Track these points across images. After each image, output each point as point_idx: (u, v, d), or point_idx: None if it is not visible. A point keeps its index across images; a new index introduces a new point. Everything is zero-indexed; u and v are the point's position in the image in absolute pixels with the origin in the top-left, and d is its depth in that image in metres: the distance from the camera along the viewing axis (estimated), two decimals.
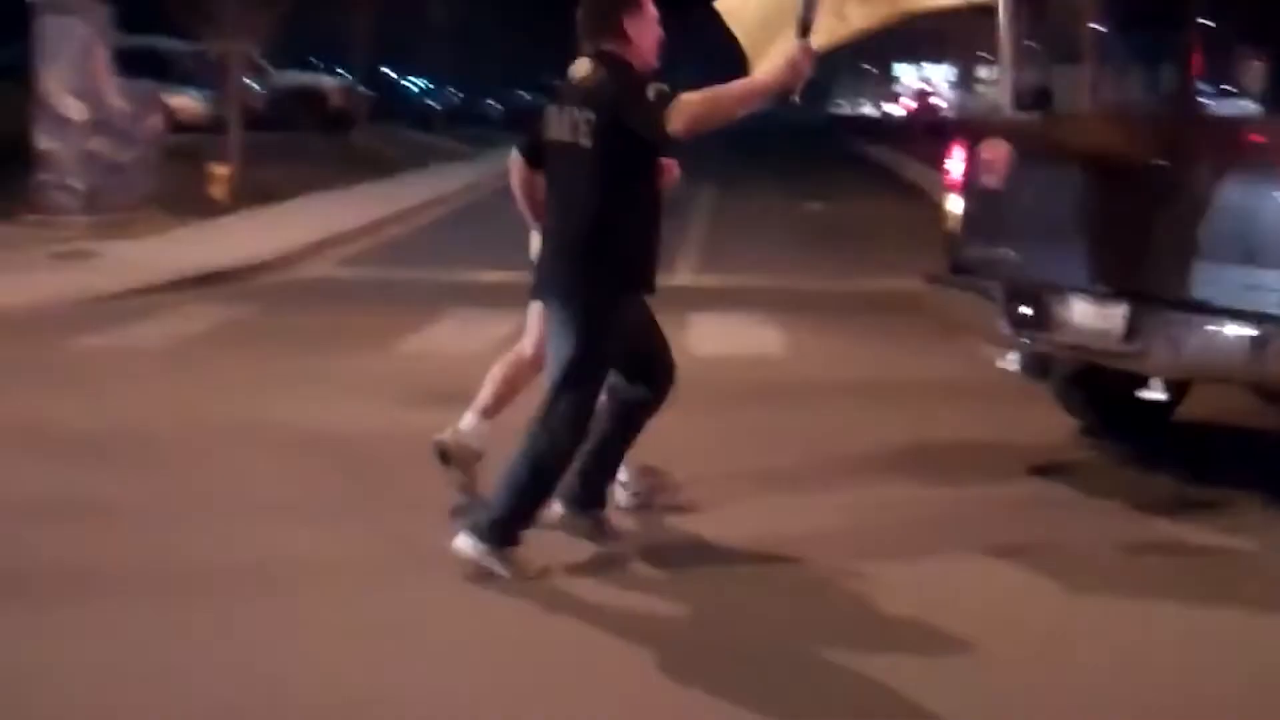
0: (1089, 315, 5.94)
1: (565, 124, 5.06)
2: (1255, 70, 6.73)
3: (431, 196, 20.83)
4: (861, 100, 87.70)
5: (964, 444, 6.94)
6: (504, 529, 4.99)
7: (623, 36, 5.09)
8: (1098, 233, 5.99)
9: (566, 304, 5.06)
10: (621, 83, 4.98)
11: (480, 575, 4.92)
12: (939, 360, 8.44)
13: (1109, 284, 5.91)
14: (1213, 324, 5.44)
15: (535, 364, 5.60)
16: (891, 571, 5.12)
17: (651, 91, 4.84)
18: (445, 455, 5.67)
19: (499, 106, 52.99)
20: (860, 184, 26.70)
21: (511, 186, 5.48)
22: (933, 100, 61.30)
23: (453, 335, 9.84)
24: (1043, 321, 6.07)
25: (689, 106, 4.77)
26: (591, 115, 4.97)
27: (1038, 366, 6.60)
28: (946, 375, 8.22)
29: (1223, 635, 4.61)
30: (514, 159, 5.45)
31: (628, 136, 4.92)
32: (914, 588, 4.96)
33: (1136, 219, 5.86)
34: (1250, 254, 5.36)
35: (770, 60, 5.33)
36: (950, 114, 46.25)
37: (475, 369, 6.14)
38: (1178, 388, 6.44)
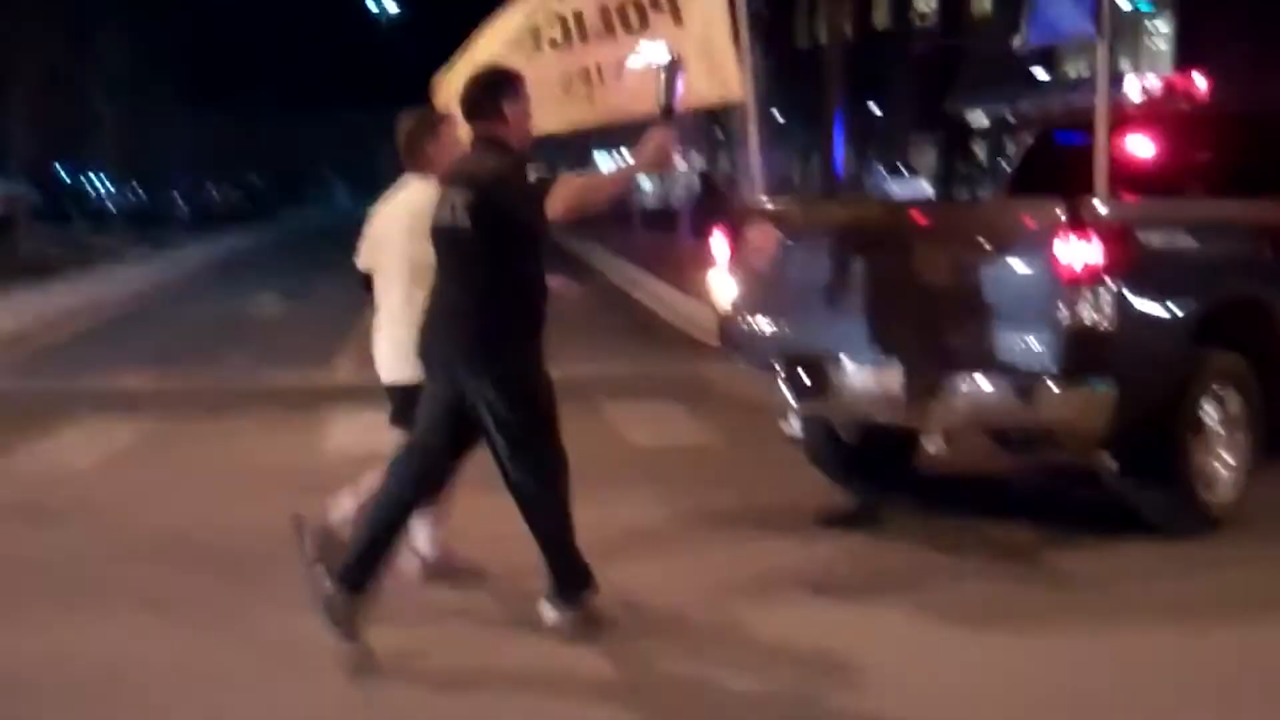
0: (867, 380, 6.51)
1: (445, 208, 5.11)
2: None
3: (87, 303, 19.36)
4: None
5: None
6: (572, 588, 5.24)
7: (501, 118, 5.17)
8: (866, 304, 6.45)
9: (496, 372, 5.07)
10: (502, 164, 5.05)
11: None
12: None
13: (883, 350, 6.41)
14: (976, 381, 6.19)
15: None
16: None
17: (532, 174, 4.92)
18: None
19: (184, 206, 50.99)
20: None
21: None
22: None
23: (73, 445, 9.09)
24: (822, 389, 6.62)
25: (568, 190, 4.86)
26: (469, 196, 5.00)
27: (817, 431, 7.11)
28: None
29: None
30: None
31: (503, 216, 4.98)
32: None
33: (897, 290, 6.42)
34: (992, 318, 6.10)
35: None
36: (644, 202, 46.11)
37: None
38: (905, 439, 6.90)
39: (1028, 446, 6.95)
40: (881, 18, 45.68)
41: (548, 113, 6.30)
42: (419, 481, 5.19)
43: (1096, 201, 6.10)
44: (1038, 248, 5.97)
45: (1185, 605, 5.44)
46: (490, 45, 6.86)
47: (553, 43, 6.94)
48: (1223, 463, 6.54)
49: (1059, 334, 5.93)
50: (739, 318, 6.93)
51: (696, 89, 6.40)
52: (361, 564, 4.98)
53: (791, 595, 5.62)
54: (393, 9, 65.72)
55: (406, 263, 5.50)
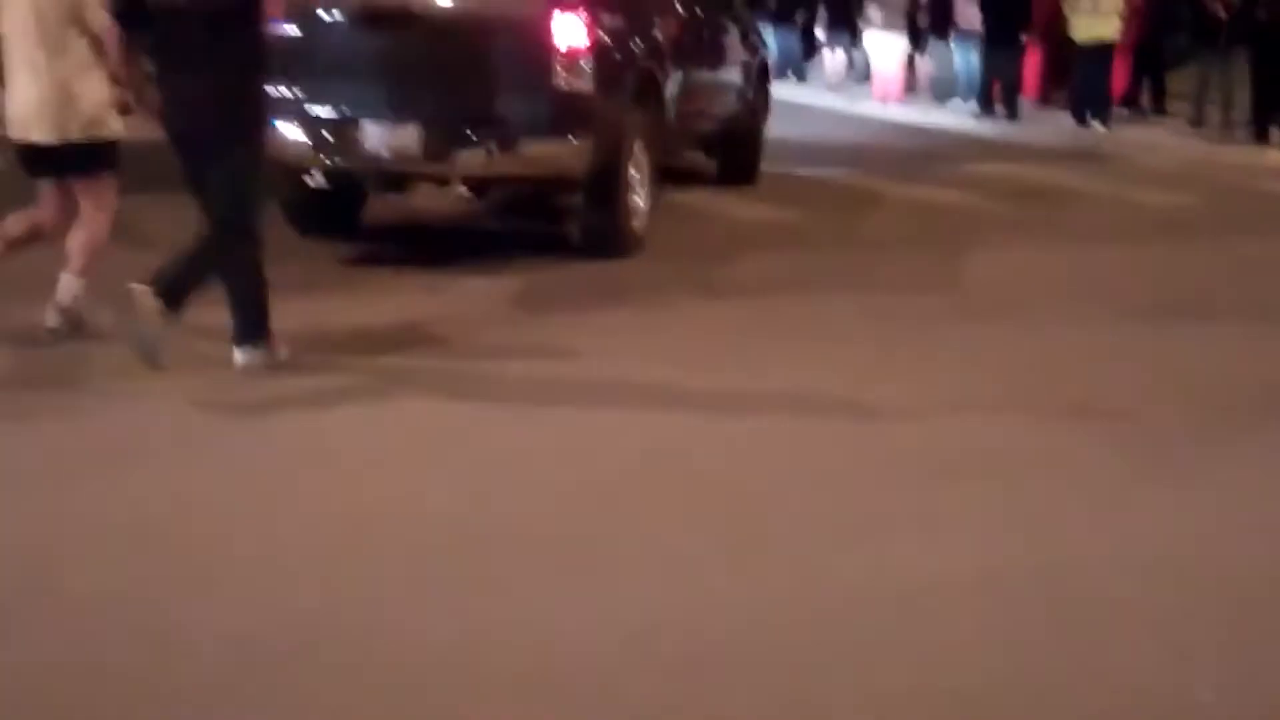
0: (384, 137, 7.78)
1: None
2: None
3: None
4: None
5: None
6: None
7: None
8: (389, 75, 7.69)
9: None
10: None
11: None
12: None
13: (405, 115, 7.73)
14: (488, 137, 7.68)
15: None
16: None
17: None
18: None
19: None
20: None
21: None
22: None
23: None
24: (343, 146, 7.83)
25: None
26: None
27: (336, 181, 8.19)
28: None
29: None
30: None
31: None
32: None
33: (419, 64, 7.68)
34: (498, 86, 7.75)
35: None
36: None
37: None
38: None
39: (498, 190, 8.66)
40: None
41: None
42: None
43: None
44: (537, 28, 7.62)
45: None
46: None
47: None
48: (640, 199, 8.37)
49: (554, 97, 7.65)
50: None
51: None
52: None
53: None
54: None
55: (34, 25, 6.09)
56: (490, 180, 8.30)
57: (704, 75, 9.99)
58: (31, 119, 6.18)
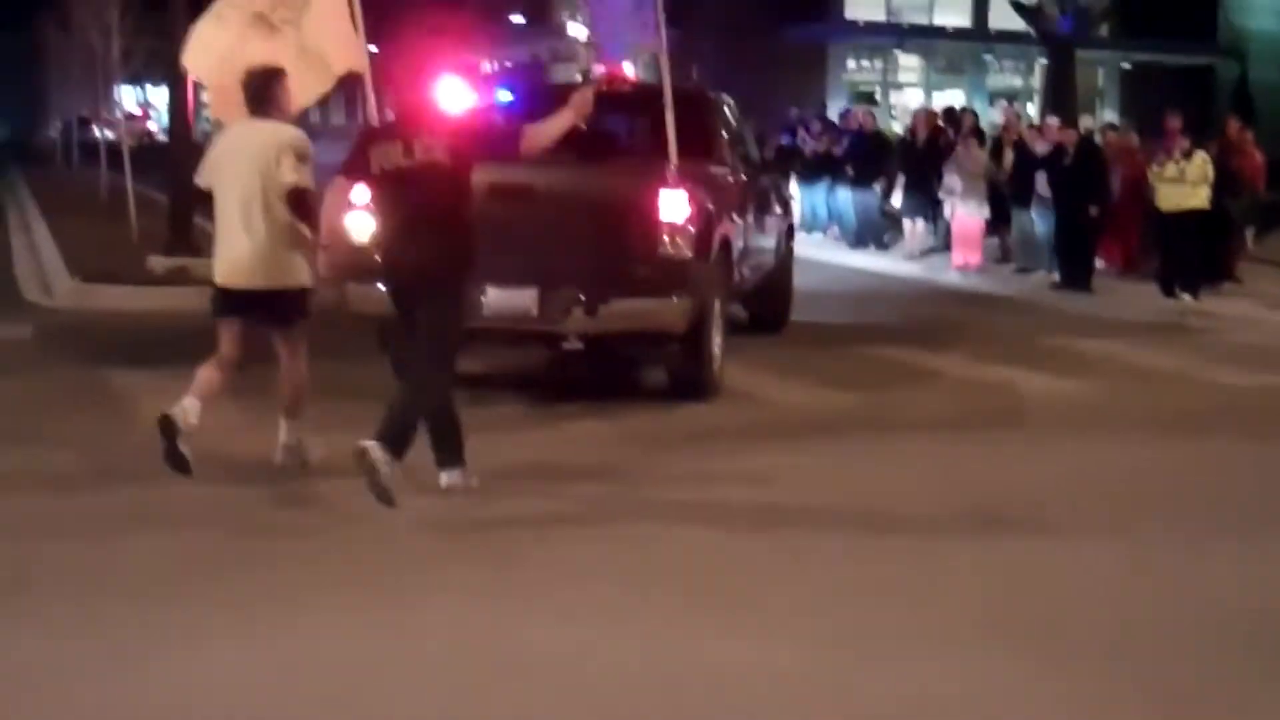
0: (506, 299, 8.61)
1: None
2: None
3: None
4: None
5: None
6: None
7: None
8: (507, 244, 8.06)
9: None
10: None
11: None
12: None
13: (520, 279, 8.58)
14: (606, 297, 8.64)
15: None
16: None
17: None
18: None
19: None
20: None
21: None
22: (147, 124, 61.09)
23: None
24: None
25: (534, 136, 6.88)
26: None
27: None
28: None
29: None
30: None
31: None
32: None
33: (535, 232, 8.50)
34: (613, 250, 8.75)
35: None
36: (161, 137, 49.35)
37: None
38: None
39: (616, 346, 9.30)
40: None
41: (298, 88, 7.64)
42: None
43: (678, 168, 9.00)
44: (646, 203, 8.72)
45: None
46: (218, 33, 8.20)
47: (285, 21, 8.11)
48: (717, 347, 9.30)
49: (660, 262, 8.65)
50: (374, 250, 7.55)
51: (342, 63, 8.43)
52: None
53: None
54: None
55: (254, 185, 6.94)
56: (599, 336, 8.94)
57: (756, 235, 11.17)
58: (240, 268, 7.04)
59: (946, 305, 15.38)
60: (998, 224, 17.83)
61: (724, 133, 11.06)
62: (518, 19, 41.56)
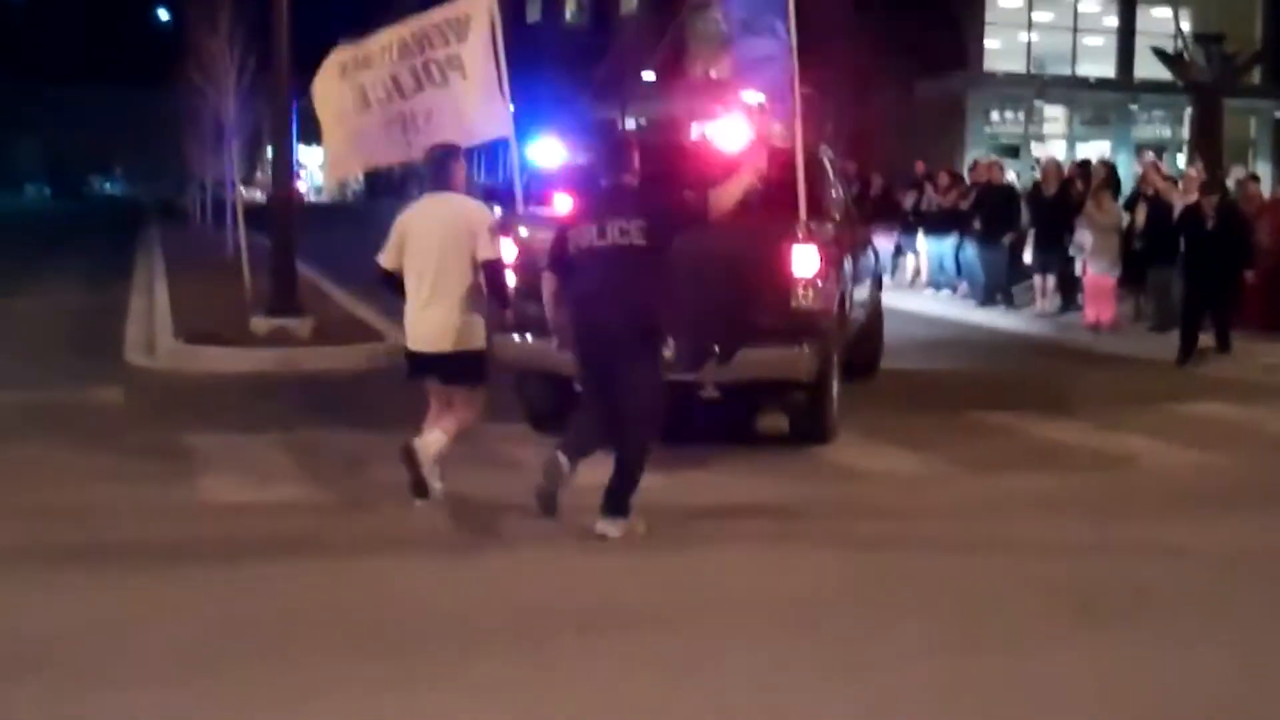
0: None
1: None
2: None
3: None
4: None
5: None
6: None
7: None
8: None
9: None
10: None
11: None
12: None
13: None
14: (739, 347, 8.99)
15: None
16: None
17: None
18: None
19: None
20: None
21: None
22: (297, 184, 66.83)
23: None
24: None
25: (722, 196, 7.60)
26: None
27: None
28: None
29: None
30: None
31: None
32: None
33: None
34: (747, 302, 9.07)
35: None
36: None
37: None
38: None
39: (733, 390, 9.42)
40: None
41: (375, 154, 9.95)
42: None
43: (811, 224, 9.27)
44: (779, 258, 9.08)
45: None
46: (330, 107, 9.66)
47: (379, 100, 9.44)
48: (835, 393, 9.74)
49: (791, 314, 9.07)
50: (523, 302, 8.66)
51: (482, 128, 9.41)
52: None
53: None
54: None
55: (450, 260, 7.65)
56: (733, 384, 9.32)
57: (858, 286, 11.50)
58: (431, 335, 7.74)
59: (1074, 365, 14.58)
60: (1133, 281, 16.95)
61: (833, 189, 11.22)
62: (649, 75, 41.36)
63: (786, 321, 9.05)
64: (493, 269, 7.68)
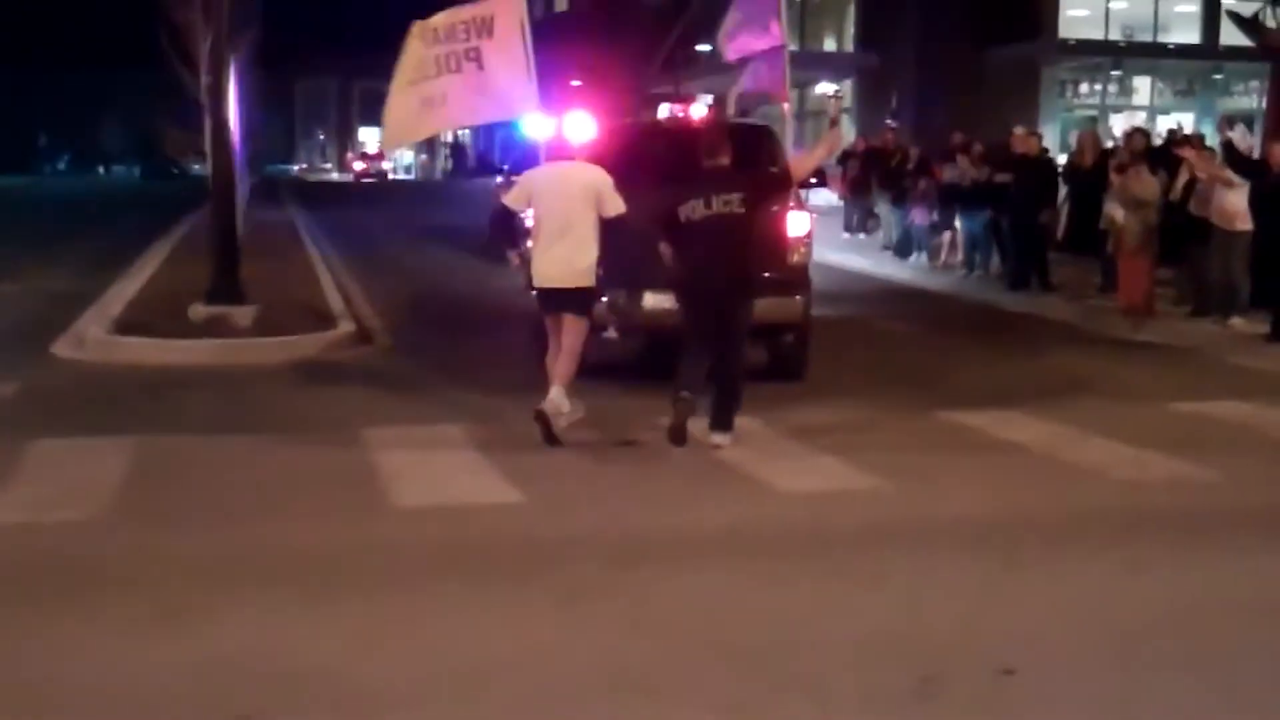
0: (660, 301, 10.13)
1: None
2: None
3: None
4: (325, 162, 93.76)
5: None
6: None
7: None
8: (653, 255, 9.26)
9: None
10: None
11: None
12: None
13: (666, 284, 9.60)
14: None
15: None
16: None
17: None
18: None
19: None
20: None
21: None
22: (381, 164, 74.65)
23: None
24: (631, 308, 10.52)
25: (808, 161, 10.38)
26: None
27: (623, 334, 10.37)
28: None
29: None
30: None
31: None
32: None
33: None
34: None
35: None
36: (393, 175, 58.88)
37: None
38: None
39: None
40: None
41: (419, 125, 11.44)
42: None
43: (801, 193, 11.08)
44: (778, 221, 10.55)
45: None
46: (401, 85, 11.00)
47: (414, 80, 10.88)
48: None
49: (788, 268, 10.67)
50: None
51: (497, 112, 11.10)
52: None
53: None
54: None
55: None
56: None
57: None
58: (555, 273, 9.09)
59: (1086, 353, 13.11)
60: (1172, 260, 15.38)
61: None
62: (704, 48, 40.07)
63: (786, 275, 10.55)
64: (619, 221, 9.07)
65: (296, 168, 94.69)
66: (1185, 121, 33.29)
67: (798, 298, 10.78)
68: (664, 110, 13.23)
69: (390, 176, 77.90)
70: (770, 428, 9.38)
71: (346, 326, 13.64)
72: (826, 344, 12.46)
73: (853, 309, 16.88)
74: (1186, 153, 15.19)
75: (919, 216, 20.94)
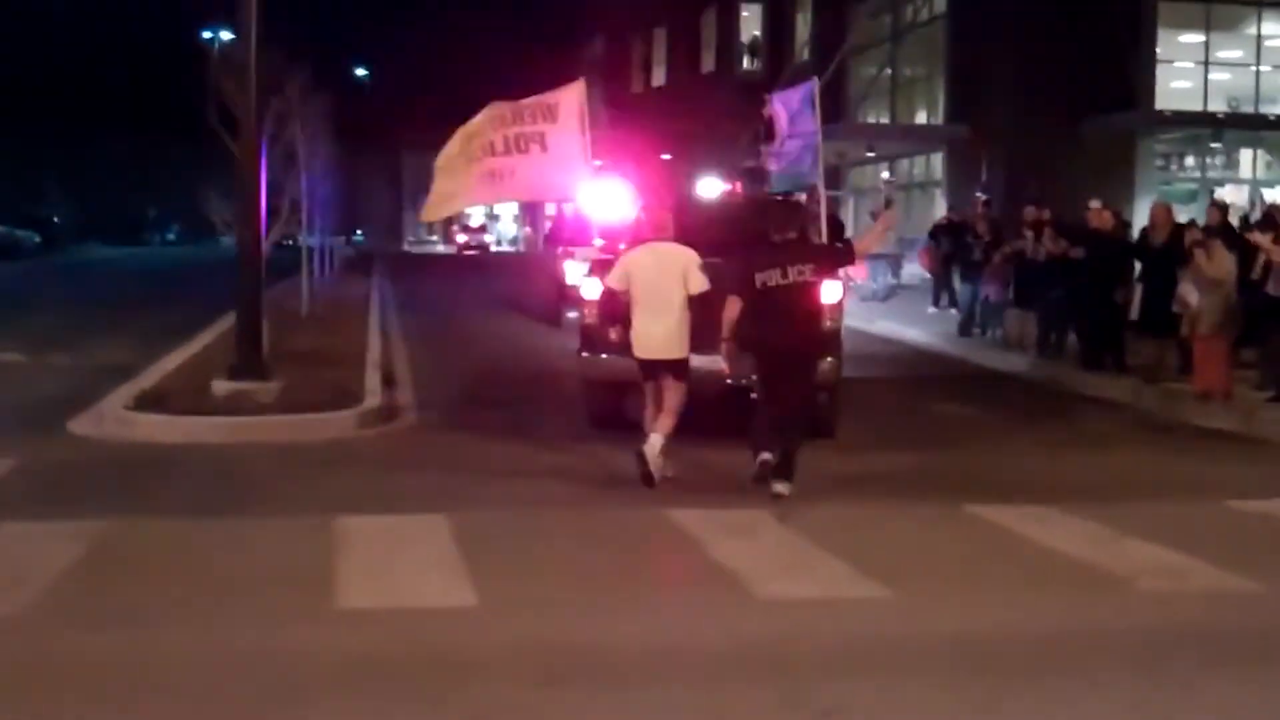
0: (704, 362, 10.52)
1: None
2: None
3: None
4: (431, 234, 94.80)
5: None
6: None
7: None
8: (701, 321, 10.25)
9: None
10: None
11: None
12: None
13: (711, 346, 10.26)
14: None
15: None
16: None
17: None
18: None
19: None
20: None
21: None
22: (484, 236, 76.99)
23: None
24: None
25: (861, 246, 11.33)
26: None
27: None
28: None
29: None
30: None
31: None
32: None
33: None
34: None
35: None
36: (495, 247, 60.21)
37: None
38: None
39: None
40: None
41: (471, 196, 12.36)
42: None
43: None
44: (815, 289, 10.08)
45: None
46: (454, 159, 11.94)
47: (477, 157, 11.78)
48: None
49: (825, 333, 10.80)
50: (600, 328, 11.89)
51: (555, 192, 12.79)
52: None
53: None
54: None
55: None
56: None
57: None
58: (655, 345, 10.15)
59: (1165, 446, 12.21)
60: (1254, 341, 14.43)
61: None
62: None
63: (821, 340, 10.57)
64: (703, 298, 10.07)
65: (407, 241, 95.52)
66: None
67: (830, 360, 11.36)
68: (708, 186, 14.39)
69: (494, 248, 78.38)
70: (783, 523, 8.69)
71: (371, 403, 13.16)
72: (873, 424, 11.96)
73: (913, 389, 16.11)
74: (1256, 237, 14.29)
75: (992, 293, 20.10)
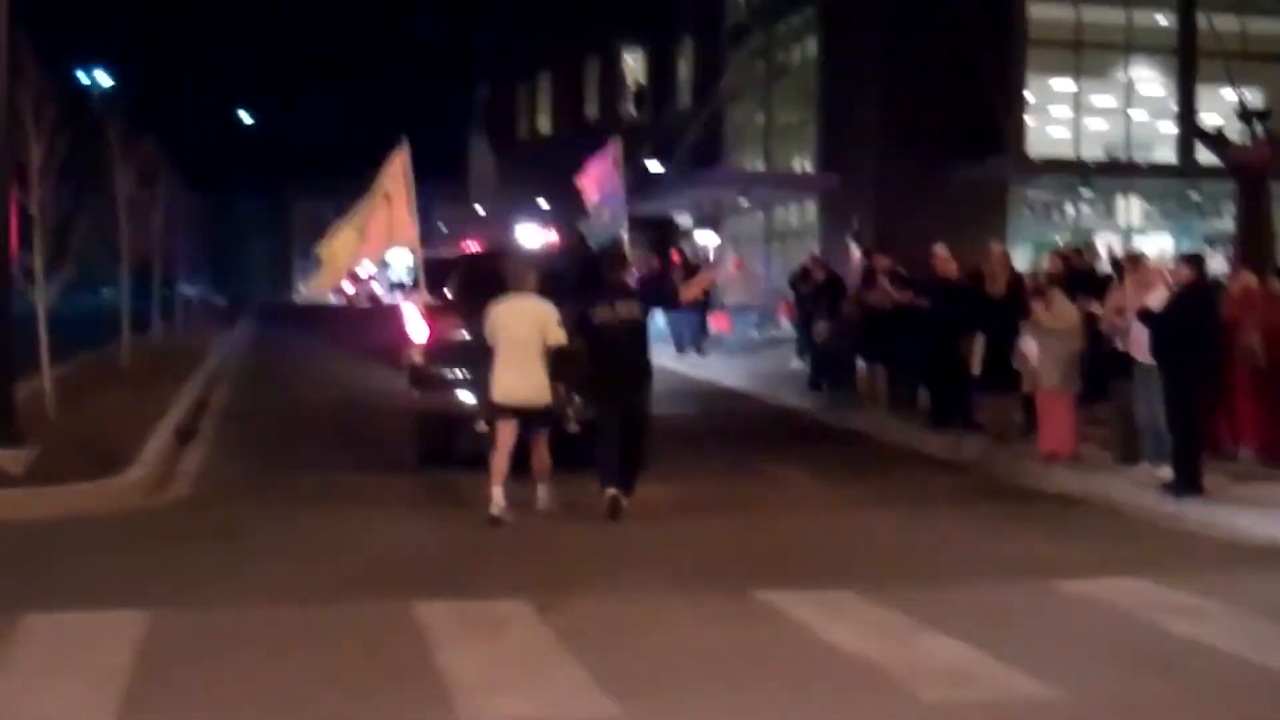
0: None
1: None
2: None
3: None
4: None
5: None
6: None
7: None
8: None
9: None
10: None
11: None
12: None
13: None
14: None
15: None
16: None
17: None
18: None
19: None
20: None
21: None
22: (372, 286, 71.38)
23: None
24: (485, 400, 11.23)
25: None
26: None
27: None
28: None
29: None
30: None
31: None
32: None
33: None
34: None
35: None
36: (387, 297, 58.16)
37: None
38: None
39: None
40: None
41: (350, 261, 13.52)
42: None
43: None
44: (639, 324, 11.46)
45: None
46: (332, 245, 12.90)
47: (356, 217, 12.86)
48: None
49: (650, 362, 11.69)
50: (429, 365, 12.88)
51: (390, 242, 13.07)
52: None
53: None
54: None
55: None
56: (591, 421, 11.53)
57: None
58: (516, 392, 10.71)
59: (997, 515, 11.30)
60: (1098, 398, 13.64)
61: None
62: (655, 166, 38.71)
63: (649, 368, 11.40)
64: (561, 350, 10.73)
65: (296, 292, 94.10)
66: (1165, 243, 31.73)
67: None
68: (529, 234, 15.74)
69: (386, 300, 76.36)
70: (542, 616, 7.59)
71: (138, 473, 11.91)
72: (691, 485, 11.90)
73: (747, 447, 15.15)
74: (1094, 307, 13.46)
75: (828, 343, 19.28)
